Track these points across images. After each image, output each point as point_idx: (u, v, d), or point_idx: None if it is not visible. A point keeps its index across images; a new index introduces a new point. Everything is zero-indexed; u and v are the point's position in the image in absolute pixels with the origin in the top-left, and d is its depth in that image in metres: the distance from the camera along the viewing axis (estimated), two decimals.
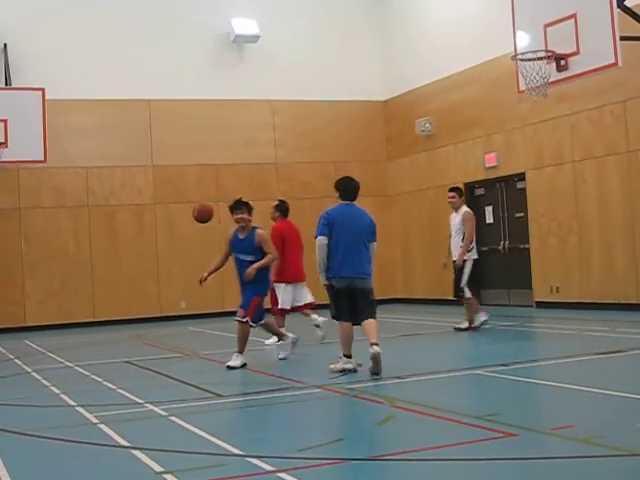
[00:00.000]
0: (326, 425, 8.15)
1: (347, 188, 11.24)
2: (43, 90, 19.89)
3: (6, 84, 20.76)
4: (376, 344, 10.50)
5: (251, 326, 11.88)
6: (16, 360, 14.53)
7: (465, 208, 15.36)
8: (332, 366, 10.88)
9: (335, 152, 23.55)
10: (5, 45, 20.88)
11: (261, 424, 8.49)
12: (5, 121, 19.43)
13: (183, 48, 22.42)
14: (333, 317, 11.10)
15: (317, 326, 14.51)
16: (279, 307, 14.46)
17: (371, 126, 24.07)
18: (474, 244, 15.16)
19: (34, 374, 12.52)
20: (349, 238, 10.85)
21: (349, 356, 10.90)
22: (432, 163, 22.48)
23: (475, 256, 15.14)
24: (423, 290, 22.94)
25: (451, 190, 15.51)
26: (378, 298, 23.21)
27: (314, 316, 14.59)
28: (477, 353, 13.34)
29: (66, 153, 21.12)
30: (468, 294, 15.05)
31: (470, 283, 15.03)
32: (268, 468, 6.32)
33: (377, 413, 8.34)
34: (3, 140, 19.30)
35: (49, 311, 20.98)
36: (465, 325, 15.32)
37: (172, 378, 11.34)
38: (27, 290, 20.86)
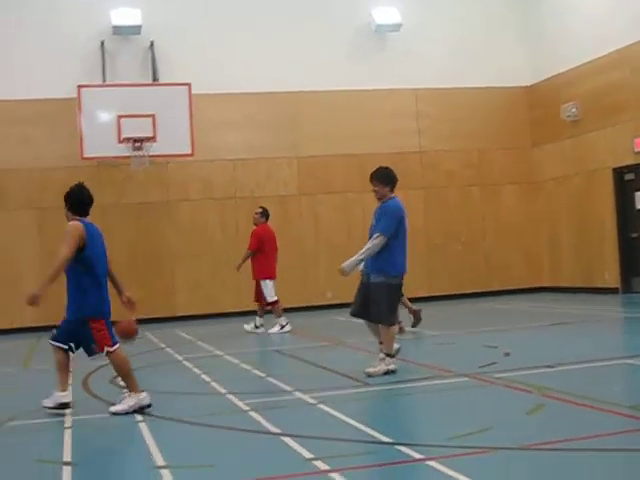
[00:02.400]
0: (475, 414, 8.08)
1: (395, 179, 10.63)
2: (189, 85, 20.31)
3: (153, 80, 21.27)
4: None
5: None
6: (167, 349, 14.90)
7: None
8: (372, 370, 10.25)
9: (479, 139, 23.29)
10: (152, 42, 21.39)
11: (409, 412, 8.52)
12: (153, 116, 19.95)
13: (326, 40, 22.51)
14: (389, 321, 10.43)
15: (257, 327, 16.97)
16: (269, 301, 16.83)
17: (515, 112, 23.70)
18: None
19: (185, 362, 12.83)
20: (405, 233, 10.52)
21: (394, 356, 10.52)
22: (578, 148, 21.99)
23: None
24: (570, 278, 22.49)
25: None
26: (524, 287, 23.04)
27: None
28: (627, 343, 13.04)
29: (212, 146, 21.49)
30: None
31: None
32: (417, 456, 6.33)
33: (526, 402, 8.23)
34: (152, 134, 19.83)
35: (198, 301, 21.43)
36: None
37: (320, 366, 11.45)
38: (177, 281, 21.35)
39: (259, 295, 17.12)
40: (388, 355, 10.34)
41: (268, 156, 22.07)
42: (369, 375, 10.13)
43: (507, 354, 11.14)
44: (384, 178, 10.55)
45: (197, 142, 20.34)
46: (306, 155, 22.28)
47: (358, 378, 10.07)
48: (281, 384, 10.06)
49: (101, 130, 19.86)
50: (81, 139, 19.81)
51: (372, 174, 10.65)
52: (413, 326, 14.70)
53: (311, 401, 8.81)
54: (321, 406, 8.48)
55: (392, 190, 10.55)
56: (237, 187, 21.73)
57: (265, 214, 17.43)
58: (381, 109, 22.67)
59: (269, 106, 22.11)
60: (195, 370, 11.86)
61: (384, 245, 10.24)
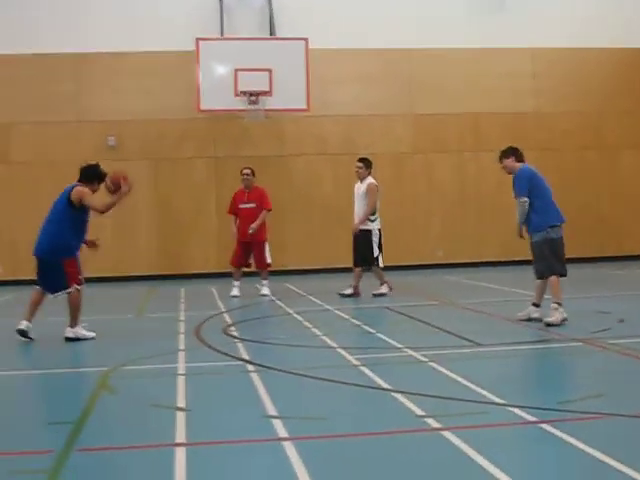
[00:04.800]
0: (588, 379, 7.98)
1: (519, 152, 11.70)
2: (306, 40, 20.27)
3: (270, 34, 21.32)
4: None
5: None
6: (278, 302, 15.05)
7: (370, 179, 15.52)
8: (551, 319, 10.91)
9: (596, 101, 22.74)
10: None
11: (522, 375, 8.45)
12: (270, 70, 19.98)
13: None
14: (543, 275, 11.33)
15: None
16: (269, 262, 16.36)
17: (634, 74, 23.05)
18: (377, 215, 15.41)
19: (296, 316, 12.94)
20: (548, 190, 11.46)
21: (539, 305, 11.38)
22: None
23: (378, 226, 15.43)
24: None
25: (359, 161, 15.79)
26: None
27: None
28: None
29: (327, 102, 21.48)
30: (381, 263, 15.48)
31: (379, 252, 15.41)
32: (530, 419, 6.28)
33: None
34: (268, 89, 19.91)
35: (308, 256, 21.56)
36: (349, 291, 15.48)
37: (430, 325, 11.42)
38: (288, 235, 21.48)
39: (263, 259, 16.30)
40: (557, 303, 11.01)
41: (383, 113, 21.97)
42: (548, 325, 10.76)
43: (621, 320, 10.96)
44: (505, 152, 11.69)
45: (312, 98, 20.34)
46: (421, 112, 22.11)
47: (469, 338, 10.02)
48: (392, 341, 10.07)
49: (218, 83, 20.02)
50: (198, 91, 19.97)
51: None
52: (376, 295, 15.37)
53: (422, 359, 8.81)
54: (432, 364, 8.47)
55: (518, 160, 11.60)
56: (351, 143, 21.69)
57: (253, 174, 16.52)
58: (498, 68, 22.31)
59: (385, 63, 21.98)
60: (306, 324, 11.95)
61: (529, 206, 11.18)
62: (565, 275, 11.29)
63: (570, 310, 11.15)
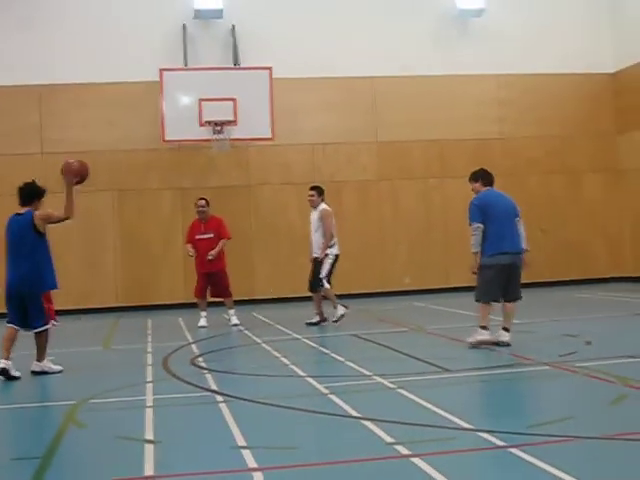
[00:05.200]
0: (556, 402, 8.02)
1: (487, 175, 11.96)
2: (270, 69, 20.35)
3: (234, 64, 21.37)
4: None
5: None
6: (246, 331, 15.01)
7: (323, 205, 15.62)
8: (472, 340, 11.38)
9: (561, 126, 22.96)
10: (233, 26, 21.48)
11: (491, 400, 8.48)
12: (234, 100, 20.04)
13: (407, 25, 22.33)
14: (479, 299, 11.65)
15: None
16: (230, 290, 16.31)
17: (599, 99, 23.27)
18: (335, 240, 15.46)
19: (264, 345, 12.91)
20: (502, 217, 11.53)
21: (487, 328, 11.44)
22: None
23: (336, 251, 15.47)
24: None
25: (311, 189, 15.91)
26: (607, 276, 22.66)
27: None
28: None
29: (292, 130, 21.52)
30: (327, 285, 15.34)
31: (329, 277, 15.38)
32: (499, 443, 6.30)
33: (609, 392, 8.12)
34: (233, 118, 19.95)
35: (275, 285, 21.54)
36: (316, 319, 15.55)
37: (399, 352, 11.43)
38: (255, 264, 21.47)
39: (226, 288, 16.24)
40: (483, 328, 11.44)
41: (348, 141, 22.04)
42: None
43: (588, 343, 11.03)
44: (473, 175, 11.95)
45: (277, 126, 20.40)
46: (386, 140, 22.20)
47: (438, 364, 10.04)
48: (360, 368, 10.07)
49: (183, 113, 20.04)
50: (163, 122, 20.00)
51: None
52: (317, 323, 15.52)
53: (391, 386, 8.81)
54: (401, 391, 8.48)
55: (485, 184, 11.83)
56: (317, 172, 21.74)
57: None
58: (463, 95, 22.46)
59: (350, 91, 22.07)
60: (274, 353, 11.92)
61: (483, 232, 11.42)
62: (497, 301, 11.63)
63: (538, 334, 11.22)
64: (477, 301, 11.65)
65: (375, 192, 22.18)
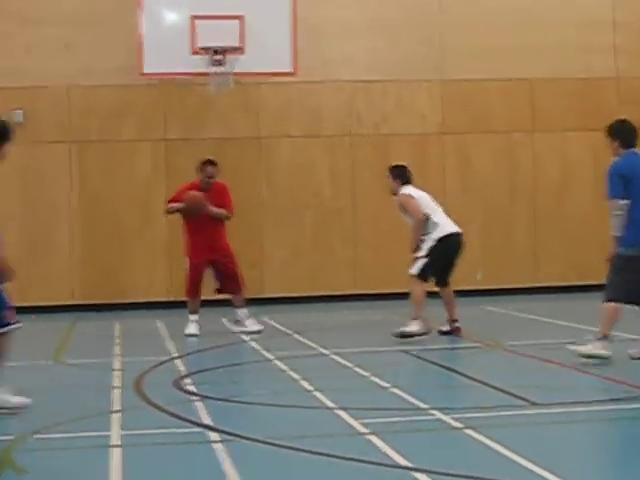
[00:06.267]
0: None
1: (630, 131, 12.13)
2: None
3: None
4: None
5: None
6: (252, 343, 15.03)
7: (402, 190, 15.90)
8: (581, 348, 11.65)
9: None
10: None
11: (593, 446, 8.41)
12: (241, 18, 19.94)
13: None
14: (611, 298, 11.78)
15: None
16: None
17: None
18: (434, 220, 15.54)
19: (277, 362, 12.95)
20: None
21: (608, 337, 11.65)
22: None
23: (438, 235, 15.39)
24: None
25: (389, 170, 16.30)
26: None
27: None
28: None
29: (322, 62, 21.45)
30: (417, 282, 15.34)
31: (426, 271, 15.41)
32: None
33: None
34: (239, 44, 19.85)
35: (295, 278, 21.51)
36: (446, 328, 15.68)
37: (468, 377, 11.46)
38: (267, 248, 21.44)
39: (235, 280, 16.39)
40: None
41: (401, 78, 21.96)
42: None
43: None
44: (610, 130, 12.13)
45: (301, 56, 20.34)
46: (454, 77, 22.12)
47: (521, 395, 10.01)
48: (412, 399, 10.06)
49: (168, 36, 20.03)
50: (140, 48, 20.00)
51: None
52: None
53: (455, 424, 8.80)
54: (469, 431, 8.46)
55: (625, 144, 11.97)
56: (355, 120, 21.70)
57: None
58: (563, 15, 22.33)
59: (405, 6, 21.96)
60: (291, 374, 11.96)
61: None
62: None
63: None
64: (609, 301, 11.72)
65: (437, 149, 22.14)
